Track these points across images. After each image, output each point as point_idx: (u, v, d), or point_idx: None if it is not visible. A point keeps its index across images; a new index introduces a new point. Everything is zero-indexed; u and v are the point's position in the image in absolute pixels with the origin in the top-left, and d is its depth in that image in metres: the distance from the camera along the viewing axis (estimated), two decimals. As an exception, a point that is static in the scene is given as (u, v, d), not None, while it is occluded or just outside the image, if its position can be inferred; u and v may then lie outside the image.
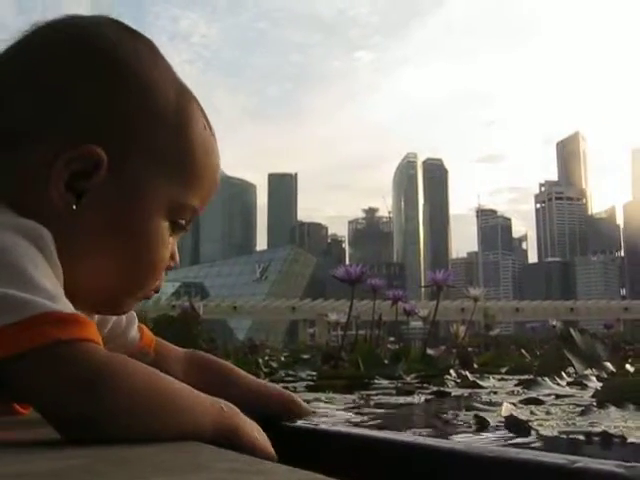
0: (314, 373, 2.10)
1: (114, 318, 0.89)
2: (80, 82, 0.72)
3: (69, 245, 0.67)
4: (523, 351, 3.22)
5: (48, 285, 0.60)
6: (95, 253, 0.71)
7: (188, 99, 0.79)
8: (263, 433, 0.68)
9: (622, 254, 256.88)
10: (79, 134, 0.70)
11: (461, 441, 0.71)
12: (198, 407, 0.63)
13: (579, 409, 0.97)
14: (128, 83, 0.73)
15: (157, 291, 0.81)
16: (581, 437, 0.74)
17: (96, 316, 0.82)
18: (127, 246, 0.73)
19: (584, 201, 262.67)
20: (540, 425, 0.81)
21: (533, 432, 0.77)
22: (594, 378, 1.59)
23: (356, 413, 1.02)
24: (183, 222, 0.78)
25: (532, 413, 0.94)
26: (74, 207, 0.69)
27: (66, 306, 0.61)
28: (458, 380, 1.69)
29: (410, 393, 1.36)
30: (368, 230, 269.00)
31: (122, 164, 0.71)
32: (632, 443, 0.69)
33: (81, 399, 0.56)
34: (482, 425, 0.82)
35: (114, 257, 0.73)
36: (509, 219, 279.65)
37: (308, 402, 1.10)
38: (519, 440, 0.73)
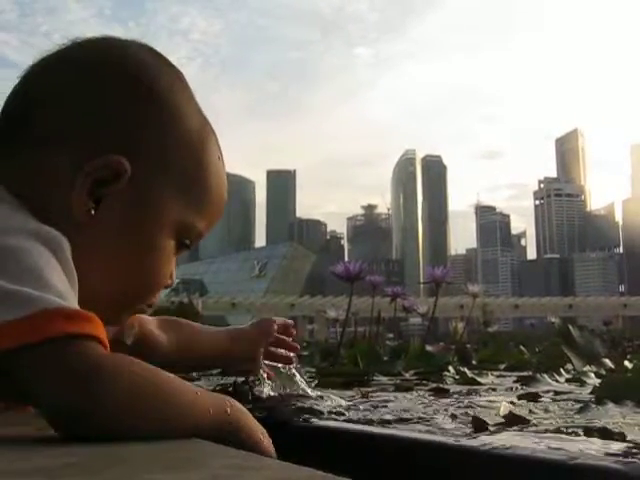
0: (313, 370, 2.10)
1: None
2: (114, 100, 0.76)
3: (81, 248, 0.69)
4: (522, 348, 3.22)
5: (60, 285, 0.62)
6: (103, 259, 0.74)
7: (208, 131, 0.83)
8: (267, 436, 0.68)
9: (621, 251, 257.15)
10: (106, 145, 0.73)
11: (459, 438, 0.71)
12: (199, 405, 0.63)
13: (578, 406, 0.97)
14: (159, 107, 0.78)
15: (151, 306, 0.84)
16: (580, 433, 0.74)
17: None
18: (134, 257, 0.76)
19: (583, 198, 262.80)
20: (539, 423, 0.81)
21: (532, 429, 0.77)
22: (593, 375, 1.59)
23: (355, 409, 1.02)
24: (187, 242, 0.81)
25: (531, 412, 0.94)
26: (92, 212, 0.72)
27: (74, 304, 0.62)
28: (457, 377, 1.69)
29: (409, 389, 1.36)
30: (367, 227, 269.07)
31: (142, 179, 0.75)
32: (631, 440, 0.69)
33: (78, 395, 0.56)
34: (480, 424, 0.82)
35: (120, 266, 0.75)
36: (508, 216, 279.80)
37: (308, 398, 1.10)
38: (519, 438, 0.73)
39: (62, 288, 0.62)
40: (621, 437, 0.65)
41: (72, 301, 0.62)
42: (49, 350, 0.57)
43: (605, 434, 0.69)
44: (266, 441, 0.67)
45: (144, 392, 0.59)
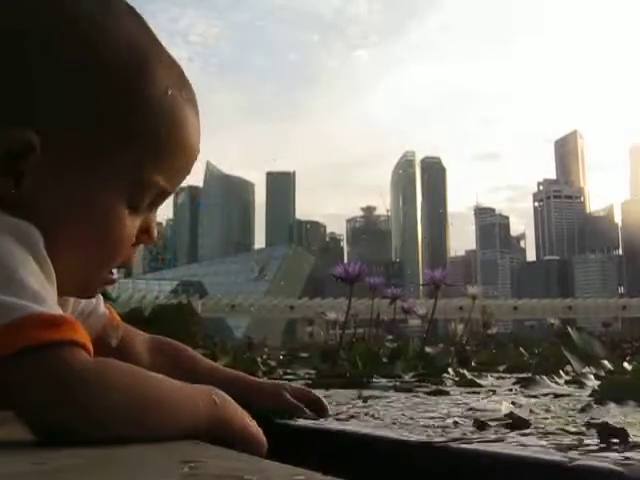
0: (312, 372, 2.10)
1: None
2: (5, 53, 0.65)
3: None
4: (521, 349, 3.22)
5: (35, 286, 0.58)
6: (53, 235, 0.65)
7: (147, 58, 0.69)
8: (254, 421, 0.68)
9: (620, 252, 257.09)
10: (8, 115, 0.64)
11: (459, 440, 0.71)
12: (188, 404, 0.62)
13: (579, 406, 0.97)
14: (64, 40, 0.65)
15: (127, 266, 0.77)
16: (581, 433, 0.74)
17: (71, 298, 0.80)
18: (79, 229, 0.68)
19: (582, 199, 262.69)
20: (540, 423, 0.81)
21: (532, 430, 0.77)
22: (592, 376, 1.59)
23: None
24: (149, 199, 0.71)
25: (531, 412, 0.94)
26: (13, 191, 0.65)
27: (52, 307, 0.59)
28: (456, 378, 1.69)
29: (408, 391, 1.36)
30: (366, 228, 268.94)
31: (59, 142, 0.65)
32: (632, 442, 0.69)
33: (63, 405, 0.55)
34: (480, 424, 0.81)
35: (72, 237, 0.68)
36: (507, 217, 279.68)
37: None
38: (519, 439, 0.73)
39: (40, 290, 0.59)
40: (623, 433, 0.65)
41: (51, 302, 0.59)
42: (31, 359, 0.55)
43: (606, 430, 0.68)
44: (254, 427, 0.67)
45: (133, 397, 0.58)
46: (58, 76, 0.65)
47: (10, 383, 0.56)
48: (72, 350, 0.57)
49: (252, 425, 0.67)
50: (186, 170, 0.74)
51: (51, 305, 0.59)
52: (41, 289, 0.59)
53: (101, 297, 0.90)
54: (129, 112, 0.67)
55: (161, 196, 0.73)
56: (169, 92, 0.69)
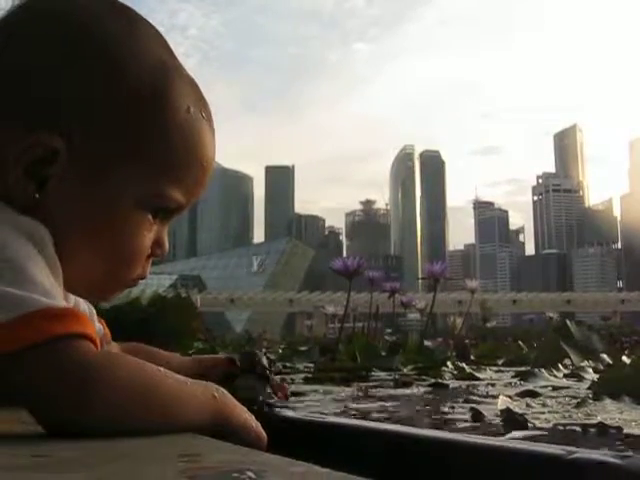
0: (312, 365, 2.10)
1: (83, 307, 0.86)
2: (36, 62, 0.67)
3: (51, 233, 0.65)
4: (520, 343, 3.22)
5: (44, 281, 0.60)
6: (72, 242, 0.68)
7: (168, 78, 0.71)
8: (253, 416, 0.68)
9: (619, 246, 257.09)
10: (36, 120, 0.66)
11: (458, 432, 0.72)
12: (191, 396, 0.63)
13: (575, 401, 0.97)
14: (94, 59, 0.68)
15: (143, 278, 0.78)
16: (577, 428, 0.74)
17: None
18: (102, 235, 0.69)
19: (581, 193, 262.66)
20: (536, 418, 0.81)
21: (529, 425, 0.77)
22: (590, 370, 1.60)
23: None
24: (166, 212, 0.73)
25: (528, 406, 0.94)
26: (36, 195, 0.66)
27: (61, 302, 0.60)
28: (455, 372, 1.70)
29: (408, 385, 1.37)
30: (365, 222, 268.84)
31: (83, 151, 0.67)
32: (628, 434, 0.69)
33: (71, 397, 0.55)
34: (478, 418, 0.82)
35: (91, 246, 0.69)
36: (506, 211, 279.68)
37: (303, 394, 1.11)
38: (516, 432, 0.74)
39: (47, 285, 0.59)
40: (618, 431, 0.65)
41: (58, 297, 0.60)
42: (38, 352, 0.55)
43: (602, 429, 0.69)
44: (253, 421, 0.67)
45: (139, 389, 0.59)
46: (84, 88, 0.67)
47: (19, 375, 0.56)
48: (80, 343, 0.57)
49: (252, 419, 0.68)
50: (202, 185, 0.75)
51: (59, 300, 0.60)
52: (49, 285, 0.60)
53: (94, 312, 0.90)
54: (151, 127, 0.69)
55: (176, 210, 0.74)
56: (190, 110, 0.71)
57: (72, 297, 0.80)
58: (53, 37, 0.68)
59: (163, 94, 0.70)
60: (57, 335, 0.56)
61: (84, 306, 0.86)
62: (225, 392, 0.67)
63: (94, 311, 0.91)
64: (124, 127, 0.68)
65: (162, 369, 0.63)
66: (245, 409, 0.68)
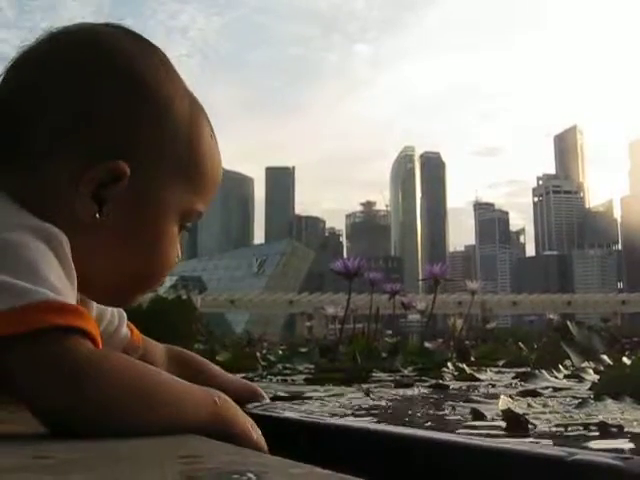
0: (312, 366, 2.10)
1: (108, 316, 0.94)
2: (100, 98, 0.76)
3: (88, 248, 0.72)
4: (520, 344, 3.22)
5: (55, 280, 0.62)
6: (112, 256, 0.76)
7: (198, 111, 0.83)
8: (257, 427, 0.69)
9: (619, 247, 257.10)
10: (102, 149, 0.74)
11: (459, 433, 0.72)
12: (188, 399, 0.63)
13: (576, 401, 0.97)
14: (146, 98, 0.78)
15: (161, 285, 0.88)
16: (579, 429, 0.74)
17: (93, 313, 0.86)
18: (141, 248, 0.78)
19: (582, 194, 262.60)
20: (537, 418, 0.81)
21: (530, 425, 0.77)
22: (591, 371, 1.60)
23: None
24: (188, 224, 0.84)
25: (529, 406, 0.94)
26: (97, 216, 0.74)
27: (68, 299, 0.62)
28: (456, 373, 1.70)
29: (408, 386, 1.37)
30: (366, 224, 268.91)
31: (141, 176, 0.76)
32: (629, 433, 0.69)
33: (63, 390, 0.57)
34: (479, 418, 0.82)
35: (129, 258, 0.77)
36: (507, 212, 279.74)
37: (304, 394, 1.11)
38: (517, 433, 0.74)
39: (57, 283, 0.62)
40: (619, 430, 0.65)
41: (67, 296, 0.63)
42: (37, 342, 0.57)
43: (604, 428, 0.69)
44: (255, 432, 0.67)
45: (131, 387, 0.60)
46: (141, 123, 0.77)
47: (14, 364, 0.58)
48: (77, 338, 0.59)
49: (253, 429, 0.68)
50: (215, 192, 0.87)
51: (68, 297, 0.63)
52: (59, 283, 0.63)
53: (125, 316, 0.97)
54: (190, 153, 0.80)
55: (196, 219, 0.85)
56: (212, 136, 0.84)
57: (94, 304, 0.86)
58: (108, 77, 0.76)
59: (198, 125, 0.82)
60: (58, 325, 0.58)
61: (111, 310, 0.93)
62: (227, 399, 0.68)
63: (124, 315, 0.98)
64: (172, 155, 0.78)
65: (160, 370, 0.66)
66: (248, 418, 0.69)
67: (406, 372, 1.83)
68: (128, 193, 0.75)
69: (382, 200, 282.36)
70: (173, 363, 1.01)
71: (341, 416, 0.91)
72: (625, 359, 1.91)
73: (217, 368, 1.04)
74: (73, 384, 0.57)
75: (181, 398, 0.63)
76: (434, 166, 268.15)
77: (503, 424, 0.78)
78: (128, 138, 0.76)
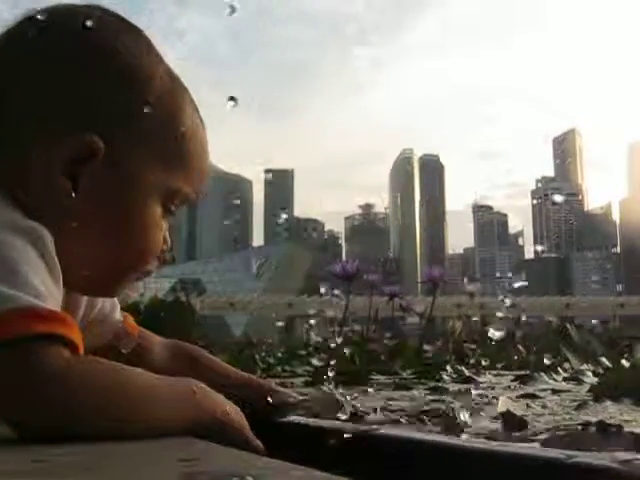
0: (311, 369, 2.10)
1: (99, 303, 0.91)
2: (75, 74, 0.74)
3: (67, 229, 0.69)
4: (519, 347, 3.22)
5: (37, 283, 0.61)
6: (92, 237, 0.74)
7: (179, 90, 0.81)
8: (240, 411, 0.71)
9: (618, 250, 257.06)
10: (76, 124, 0.72)
11: (458, 436, 0.72)
12: (168, 397, 0.64)
13: (575, 403, 0.97)
14: (122, 74, 0.76)
15: (149, 274, 0.83)
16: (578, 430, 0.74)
17: (84, 300, 0.85)
18: (122, 229, 0.76)
19: (580, 197, 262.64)
20: (536, 420, 0.81)
21: (529, 427, 0.77)
22: (590, 373, 1.60)
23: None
24: (173, 207, 0.81)
25: (529, 407, 0.94)
26: (72, 193, 0.71)
27: (51, 304, 0.61)
28: (454, 375, 1.69)
29: (407, 388, 1.36)
30: (365, 226, 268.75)
31: (118, 152, 0.74)
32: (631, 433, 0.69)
33: (33, 400, 0.56)
34: (478, 421, 0.82)
35: (110, 240, 0.75)
36: (505, 215, 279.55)
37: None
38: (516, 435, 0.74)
39: (40, 287, 0.61)
40: (618, 430, 0.65)
41: (50, 300, 0.62)
42: (14, 349, 0.56)
43: (603, 428, 0.69)
44: (235, 415, 0.69)
45: (105, 392, 0.59)
46: (120, 98, 0.75)
47: None
48: (51, 345, 0.58)
49: (233, 410, 0.69)
50: (204, 177, 0.84)
51: (50, 302, 0.61)
52: (42, 286, 0.61)
53: (117, 304, 0.95)
54: (174, 133, 0.78)
55: (184, 203, 0.83)
56: (198, 118, 0.82)
57: (84, 298, 0.85)
58: (81, 52, 0.75)
59: (179, 102, 0.80)
60: (38, 333, 0.57)
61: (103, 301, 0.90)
62: (205, 387, 0.68)
63: (117, 302, 0.95)
64: (150, 131, 0.76)
65: (138, 369, 0.64)
66: (228, 402, 0.70)
67: (405, 375, 1.83)
68: (105, 169, 0.73)
69: (381, 203, 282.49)
70: (170, 355, 1.00)
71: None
72: (624, 361, 1.91)
73: (218, 361, 1.03)
74: (41, 393, 0.56)
75: (158, 397, 0.63)
76: (433, 169, 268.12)
77: (502, 426, 0.78)
78: (101, 112, 0.74)
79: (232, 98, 0.88)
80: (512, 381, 1.50)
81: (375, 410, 0.99)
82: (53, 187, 0.71)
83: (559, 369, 1.68)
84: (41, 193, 0.71)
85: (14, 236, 0.63)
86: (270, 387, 0.98)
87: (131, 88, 0.76)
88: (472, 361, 2.37)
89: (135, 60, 0.77)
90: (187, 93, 0.82)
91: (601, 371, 1.71)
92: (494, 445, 0.63)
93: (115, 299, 0.93)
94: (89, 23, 0.76)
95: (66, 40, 0.76)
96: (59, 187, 0.71)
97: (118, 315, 0.95)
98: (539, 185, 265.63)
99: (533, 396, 1.12)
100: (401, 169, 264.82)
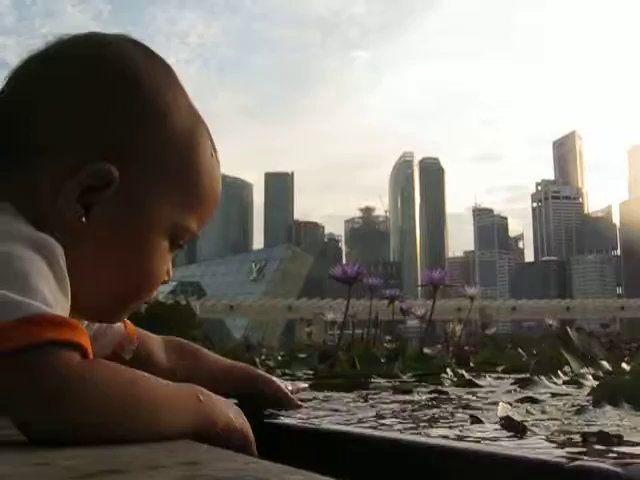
0: (311, 372, 2.10)
1: None
2: (97, 102, 0.75)
3: (73, 255, 0.69)
4: (519, 350, 3.22)
5: (47, 293, 0.62)
6: (98, 264, 0.75)
7: (199, 126, 0.82)
8: (243, 416, 0.70)
9: (618, 253, 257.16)
10: (93, 151, 0.73)
11: (458, 440, 0.72)
12: (174, 403, 0.64)
13: (574, 408, 0.97)
14: (147, 108, 0.77)
15: (147, 303, 0.85)
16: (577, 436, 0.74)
17: None
18: (128, 259, 0.76)
19: (581, 200, 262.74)
20: (536, 425, 0.81)
21: (529, 432, 0.77)
22: (590, 377, 1.59)
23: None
24: (181, 242, 0.82)
25: (528, 412, 0.94)
26: (83, 219, 0.72)
27: (63, 313, 0.62)
28: (455, 379, 1.69)
29: (408, 392, 1.36)
30: (365, 229, 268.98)
31: (132, 183, 0.74)
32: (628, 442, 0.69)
33: (42, 405, 0.56)
34: (478, 425, 0.82)
35: (115, 269, 0.76)
36: (505, 218, 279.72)
37: (304, 400, 1.11)
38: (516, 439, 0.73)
39: (49, 296, 0.62)
40: (618, 439, 0.65)
41: (59, 309, 0.62)
42: (26, 355, 0.56)
43: (602, 437, 0.69)
44: (238, 421, 0.69)
45: (117, 397, 0.59)
46: (135, 129, 0.75)
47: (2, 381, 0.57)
48: (67, 352, 0.58)
49: (237, 419, 0.69)
50: (212, 215, 0.85)
51: (60, 310, 0.62)
52: (51, 296, 0.62)
53: None
54: (187, 168, 0.79)
55: (189, 239, 0.83)
56: (213, 154, 0.83)
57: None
58: (104, 80, 0.76)
59: (198, 140, 0.80)
60: (48, 339, 0.57)
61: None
62: (210, 394, 0.68)
63: None
64: (166, 166, 0.77)
65: (146, 374, 0.64)
66: (234, 409, 0.70)
67: (405, 378, 1.83)
68: (117, 199, 0.74)
69: (381, 206, 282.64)
70: (172, 353, 1.02)
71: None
72: (624, 365, 1.91)
73: (216, 356, 1.05)
74: (52, 399, 0.56)
75: (166, 403, 0.63)
76: (433, 172, 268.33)
77: (502, 430, 0.78)
78: (120, 141, 0.75)
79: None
80: (512, 384, 1.49)
81: (375, 414, 0.99)
82: (67, 212, 0.72)
83: (559, 372, 1.68)
84: (53, 215, 0.72)
85: (24, 247, 0.64)
86: (269, 379, 1.02)
87: (151, 122, 0.76)
88: (472, 364, 2.37)
89: (158, 94, 0.78)
90: (206, 130, 0.83)
91: (601, 374, 1.71)
92: (493, 449, 0.63)
93: None
94: (117, 53, 0.78)
95: (93, 69, 0.76)
96: (73, 212, 0.72)
97: (119, 323, 0.96)
98: (539, 188, 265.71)
99: (533, 400, 1.12)
100: (401, 172, 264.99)
